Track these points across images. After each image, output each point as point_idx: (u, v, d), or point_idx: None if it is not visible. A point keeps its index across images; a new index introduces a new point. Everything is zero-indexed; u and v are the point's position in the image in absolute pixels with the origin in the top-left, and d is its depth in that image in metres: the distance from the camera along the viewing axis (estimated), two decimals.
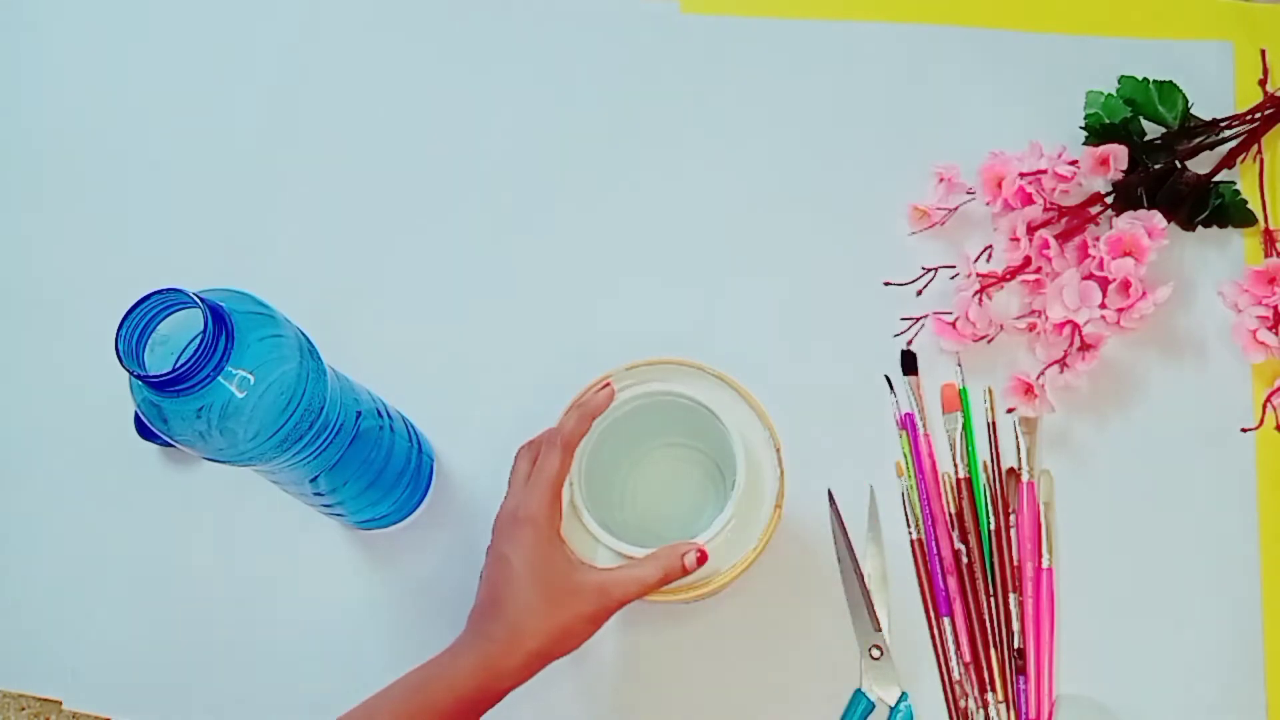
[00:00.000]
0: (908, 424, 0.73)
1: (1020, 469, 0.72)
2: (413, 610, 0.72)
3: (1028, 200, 0.74)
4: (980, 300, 0.73)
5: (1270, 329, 0.72)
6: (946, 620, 0.69)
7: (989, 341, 0.74)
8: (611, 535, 0.61)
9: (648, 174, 0.80)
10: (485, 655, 0.57)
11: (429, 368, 0.76)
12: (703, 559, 0.59)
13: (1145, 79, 0.77)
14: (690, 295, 0.77)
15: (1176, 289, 0.72)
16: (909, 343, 0.75)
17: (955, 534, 0.71)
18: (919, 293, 0.76)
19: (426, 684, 0.57)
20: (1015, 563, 0.70)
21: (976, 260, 0.75)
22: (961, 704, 0.68)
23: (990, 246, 0.75)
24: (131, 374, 0.50)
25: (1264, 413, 0.72)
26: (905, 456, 0.72)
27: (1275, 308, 0.72)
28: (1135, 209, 0.74)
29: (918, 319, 0.75)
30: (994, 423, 0.73)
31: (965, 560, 0.70)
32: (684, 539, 0.60)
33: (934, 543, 0.71)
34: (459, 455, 0.73)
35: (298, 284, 0.79)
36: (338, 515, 0.69)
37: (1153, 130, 0.77)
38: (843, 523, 0.71)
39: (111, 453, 0.76)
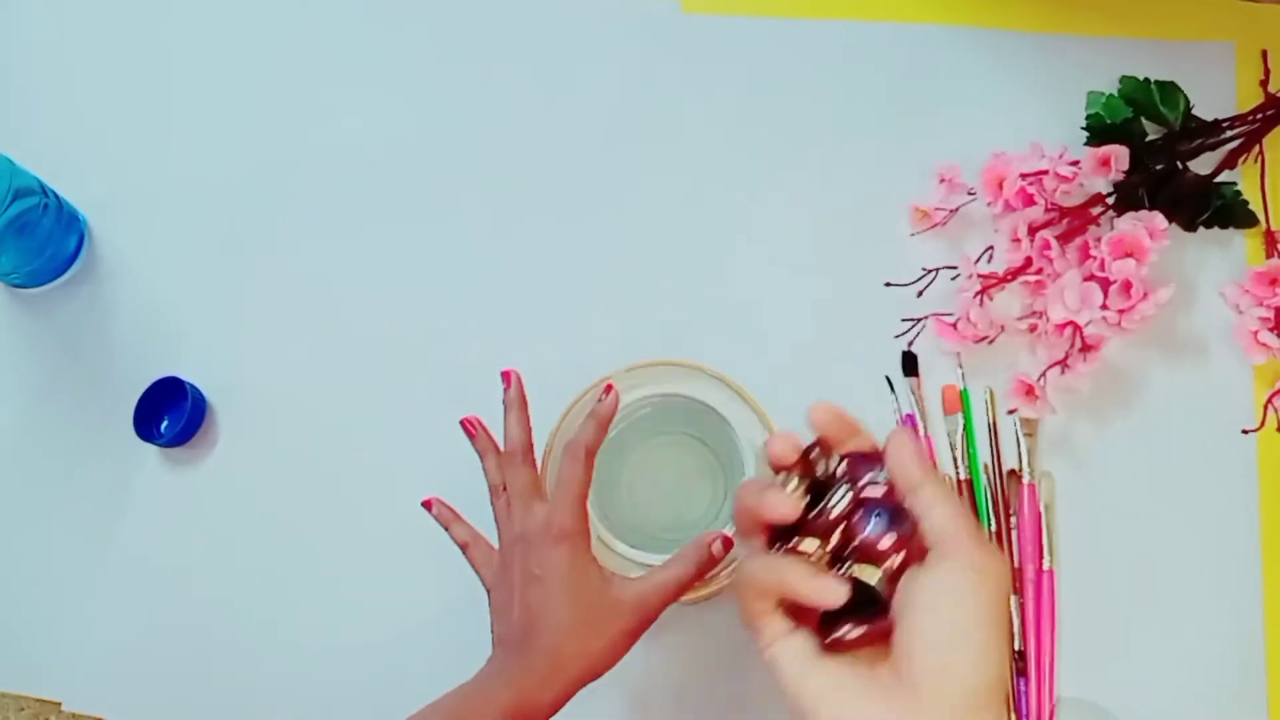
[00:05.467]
0: (908, 425, 0.73)
1: (1021, 471, 0.72)
2: None
3: (1029, 201, 0.74)
4: (981, 301, 0.73)
5: (1272, 330, 0.72)
6: None
7: (990, 343, 0.74)
8: (630, 546, 0.61)
9: (647, 173, 0.80)
10: (521, 688, 0.55)
11: (424, 369, 0.76)
12: (728, 545, 0.59)
13: (1147, 79, 0.77)
14: (689, 295, 0.77)
15: (1178, 290, 0.72)
16: (909, 344, 0.74)
17: None
18: (920, 294, 0.75)
19: (457, 716, 0.55)
20: (1016, 565, 0.70)
21: (977, 261, 0.75)
22: None
23: (991, 247, 0.75)
24: None
25: (1265, 414, 0.72)
26: None
27: (1277, 309, 0.72)
28: (1136, 210, 0.74)
29: (918, 320, 0.75)
30: (995, 424, 0.73)
31: None
32: (683, 527, 0.60)
33: None
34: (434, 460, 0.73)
35: (293, 284, 0.79)
36: None
37: (1154, 131, 0.77)
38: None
39: (111, 453, 0.76)
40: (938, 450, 0.72)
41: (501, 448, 0.63)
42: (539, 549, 0.58)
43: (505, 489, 0.62)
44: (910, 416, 0.73)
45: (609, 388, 0.62)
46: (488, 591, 0.61)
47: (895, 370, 0.74)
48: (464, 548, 0.63)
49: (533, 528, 0.59)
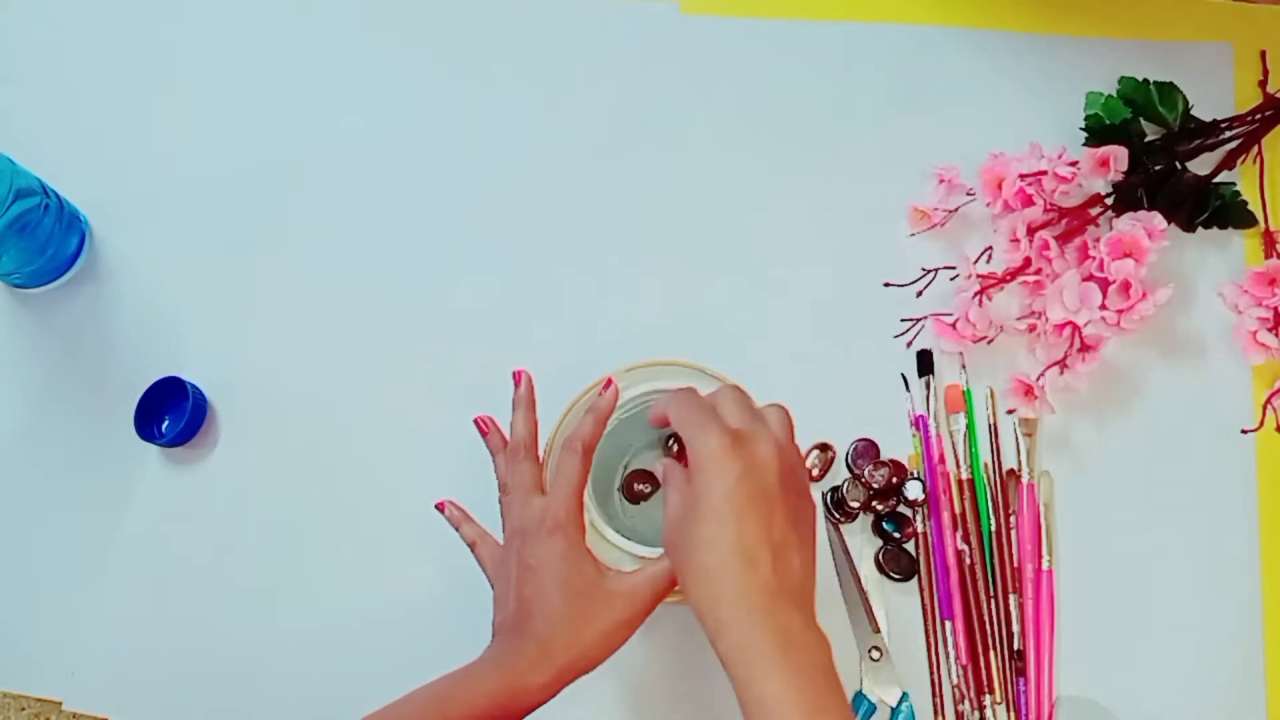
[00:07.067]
0: (921, 425, 0.73)
1: (1020, 470, 0.72)
2: None
3: (1028, 201, 0.74)
4: (980, 301, 0.73)
5: (1270, 330, 0.72)
6: (948, 623, 0.69)
7: (989, 343, 0.74)
8: (625, 538, 0.61)
9: (647, 174, 0.80)
10: (511, 672, 0.56)
11: (424, 369, 0.77)
12: None
13: (1145, 80, 0.77)
14: (689, 296, 0.77)
15: (1177, 290, 0.72)
16: (909, 344, 0.75)
17: (959, 534, 0.71)
18: (919, 294, 0.76)
19: (445, 699, 0.56)
20: (1015, 564, 0.70)
21: (976, 261, 0.75)
22: (960, 707, 0.68)
23: (990, 247, 0.75)
24: None
25: (1264, 414, 0.72)
26: (918, 456, 0.72)
27: (1275, 309, 0.72)
28: (1135, 210, 0.74)
29: (918, 320, 0.75)
30: (995, 424, 0.73)
31: (967, 561, 0.70)
32: None
33: (940, 544, 0.70)
34: (444, 460, 0.73)
35: (294, 284, 0.79)
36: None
37: (1153, 131, 0.77)
38: (839, 524, 0.71)
39: (111, 453, 0.76)
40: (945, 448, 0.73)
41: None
42: (534, 541, 0.59)
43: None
44: (921, 417, 0.73)
45: (609, 382, 0.62)
46: (492, 586, 0.61)
47: (895, 370, 0.74)
48: (472, 546, 0.64)
49: (529, 520, 0.59)
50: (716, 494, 0.51)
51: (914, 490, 0.71)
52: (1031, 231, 0.73)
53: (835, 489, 0.71)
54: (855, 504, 0.70)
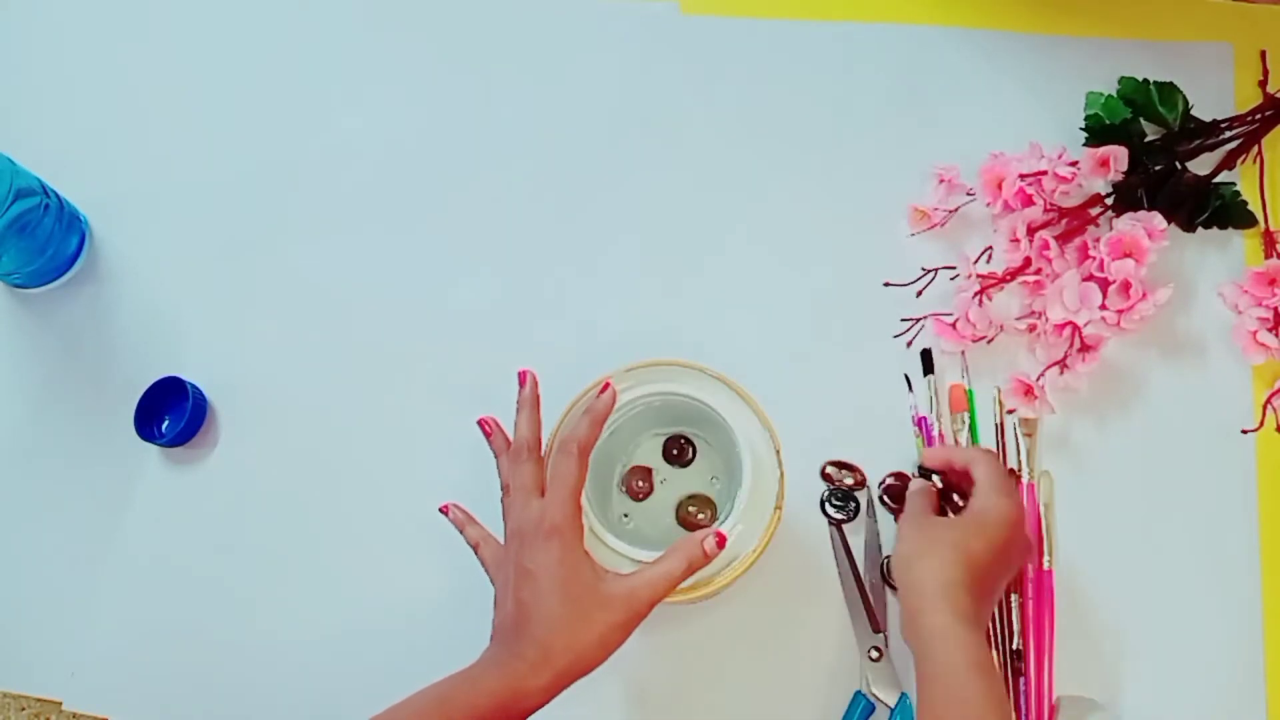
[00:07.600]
0: (922, 425, 0.73)
1: (1020, 470, 0.72)
2: None
3: (1028, 201, 0.74)
4: (980, 301, 0.73)
5: (1270, 330, 0.72)
6: None
7: (989, 342, 0.74)
8: (623, 542, 0.61)
9: (647, 174, 0.80)
10: (511, 675, 0.56)
11: (423, 369, 0.77)
12: (722, 542, 0.59)
13: (1145, 80, 0.77)
14: (689, 296, 0.77)
15: (1177, 290, 0.72)
16: (908, 344, 0.75)
17: None
18: (919, 294, 0.76)
19: (446, 701, 0.56)
20: None
21: (976, 261, 0.75)
22: None
23: (990, 247, 0.75)
24: None
25: (1264, 414, 0.72)
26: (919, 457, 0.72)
27: (1275, 309, 0.72)
28: (1135, 210, 0.74)
29: (918, 320, 0.75)
30: (1001, 423, 0.73)
31: None
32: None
33: None
34: (444, 460, 0.74)
35: (294, 284, 0.79)
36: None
37: (1153, 131, 0.77)
38: (840, 524, 0.71)
39: (112, 452, 0.76)
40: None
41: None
42: (531, 544, 0.59)
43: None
44: (923, 419, 0.73)
45: (606, 385, 0.62)
46: (494, 586, 0.62)
47: (895, 370, 0.74)
48: (475, 548, 0.64)
49: (527, 523, 0.59)
50: (998, 538, 0.62)
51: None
52: (1031, 231, 0.73)
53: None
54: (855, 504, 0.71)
